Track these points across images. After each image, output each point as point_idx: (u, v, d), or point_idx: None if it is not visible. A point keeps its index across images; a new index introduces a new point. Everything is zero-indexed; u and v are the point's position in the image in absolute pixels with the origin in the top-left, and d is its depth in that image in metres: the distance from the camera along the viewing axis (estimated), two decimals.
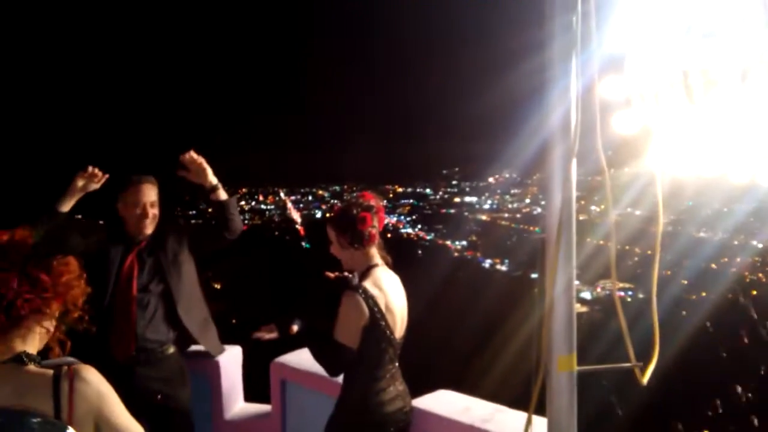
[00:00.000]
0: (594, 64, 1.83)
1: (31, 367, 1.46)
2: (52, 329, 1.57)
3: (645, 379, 1.89)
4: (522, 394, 1.98)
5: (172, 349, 3.18)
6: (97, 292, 2.76)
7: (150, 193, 3.21)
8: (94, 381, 1.46)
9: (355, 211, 2.55)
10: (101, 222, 3.31)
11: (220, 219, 3.27)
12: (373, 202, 2.60)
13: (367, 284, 2.51)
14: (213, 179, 3.23)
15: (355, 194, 2.73)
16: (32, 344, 1.52)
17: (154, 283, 3.14)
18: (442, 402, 2.85)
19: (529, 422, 2.04)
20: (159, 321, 3.13)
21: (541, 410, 2.07)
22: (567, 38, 1.85)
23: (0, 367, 1.44)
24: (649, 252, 1.93)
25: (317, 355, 2.54)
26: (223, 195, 3.26)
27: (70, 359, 2.86)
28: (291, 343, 2.87)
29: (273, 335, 2.54)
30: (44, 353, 1.56)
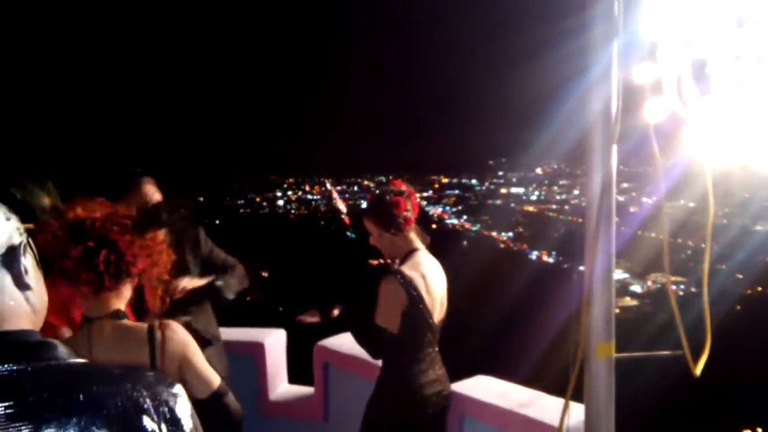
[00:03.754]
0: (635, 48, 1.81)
1: (126, 321, 1.72)
2: (130, 293, 1.80)
3: (698, 370, 1.86)
4: (563, 381, 1.98)
5: None
6: None
7: (151, 193, 3.04)
8: (181, 332, 1.73)
9: (388, 197, 2.59)
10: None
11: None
12: (404, 188, 2.65)
13: (405, 268, 2.53)
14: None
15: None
16: (122, 303, 1.75)
17: None
18: (481, 387, 2.87)
19: (566, 408, 2.05)
20: None
21: (578, 396, 2.08)
22: (607, 23, 1.84)
23: (101, 321, 1.71)
24: (702, 245, 1.90)
25: (359, 339, 2.59)
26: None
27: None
28: (334, 327, 2.92)
29: (315, 320, 2.60)
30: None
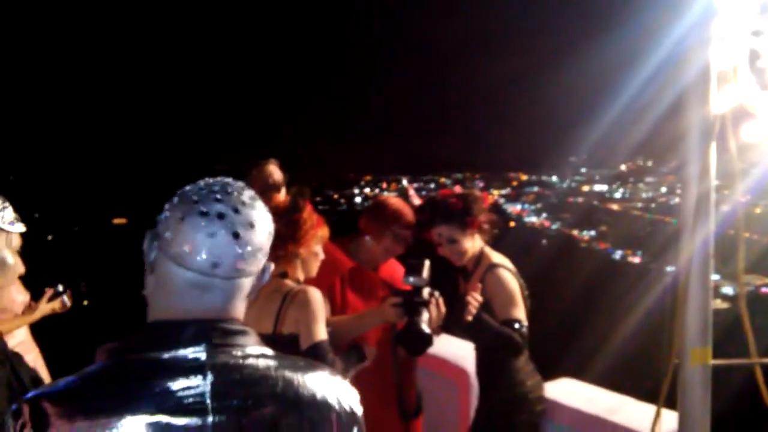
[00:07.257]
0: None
1: (285, 281, 2.11)
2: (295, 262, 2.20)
3: None
4: (648, 386, 1.91)
5: None
6: None
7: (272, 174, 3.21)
8: (308, 297, 2.01)
9: (477, 195, 2.46)
10: None
11: None
12: (457, 190, 2.55)
13: (499, 260, 2.41)
14: None
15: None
16: (288, 268, 2.16)
17: None
18: (566, 391, 2.78)
19: (658, 415, 1.98)
20: None
21: (669, 403, 2.00)
22: (704, 11, 1.77)
23: (273, 278, 2.10)
24: None
25: (508, 344, 2.25)
26: None
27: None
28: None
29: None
30: None
